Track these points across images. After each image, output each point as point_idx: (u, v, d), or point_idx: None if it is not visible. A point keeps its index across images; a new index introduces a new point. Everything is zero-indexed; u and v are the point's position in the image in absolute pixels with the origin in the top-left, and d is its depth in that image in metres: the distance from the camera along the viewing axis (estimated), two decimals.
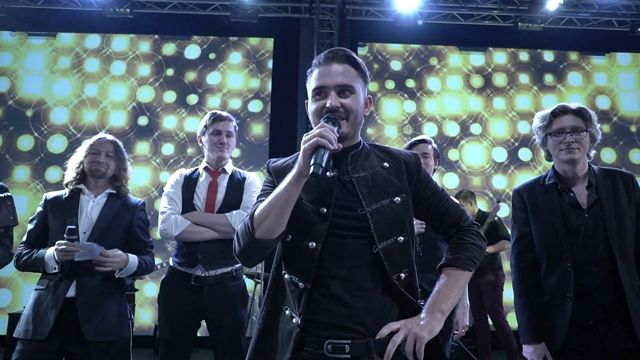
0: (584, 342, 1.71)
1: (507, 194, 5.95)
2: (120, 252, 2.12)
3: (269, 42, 6.26)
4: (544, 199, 1.86)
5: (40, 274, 2.16)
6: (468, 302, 2.62)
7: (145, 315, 5.41)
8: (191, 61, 6.12)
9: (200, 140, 2.47)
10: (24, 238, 2.22)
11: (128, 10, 5.88)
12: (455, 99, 6.26)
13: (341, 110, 1.23)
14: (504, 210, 5.66)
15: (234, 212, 2.29)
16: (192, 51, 6.15)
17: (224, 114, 2.45)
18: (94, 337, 2.03)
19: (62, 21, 5.99)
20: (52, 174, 5.69)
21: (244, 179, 2.44)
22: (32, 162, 5.76)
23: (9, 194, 2.07)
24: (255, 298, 4.46)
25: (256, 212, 1.18)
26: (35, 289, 2.14)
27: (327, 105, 1.23)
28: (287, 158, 1.37)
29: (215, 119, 2.41)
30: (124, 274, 2.16)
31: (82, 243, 2.05)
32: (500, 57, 6.39)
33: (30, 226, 2.23)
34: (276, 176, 1.31)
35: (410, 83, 6.28)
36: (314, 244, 1.18)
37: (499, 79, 6.32)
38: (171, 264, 2.35)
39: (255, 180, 2.45)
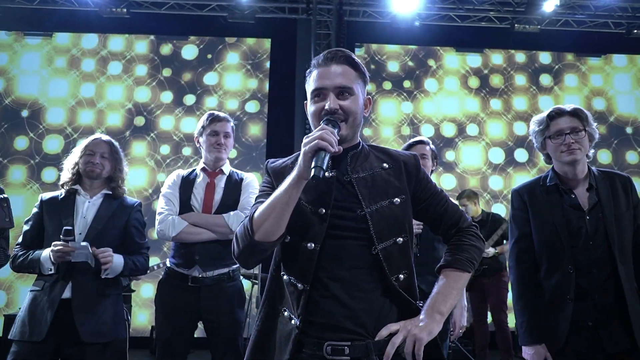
0: (583, 343, 1.72)
1: (504, 195, 5.97)
2: (110, 251, 2.10)
3: (266, 43, 6.26)
4: (545, 200, 1.86)
5: (36, 275, 2.15)
6: (465, 303, 2.63)
7: (142, 317, 5.39)
8: (188, 61, 6.11)
9: (198, 141, 2.46)
10: (20, 239, 2.21)
11: (125, 10, 5.86)
12: (452, 100, 6.27)
13: (340, 112, 1.23)
14: (502, 211, 5.67)
15: (232, 213, 2.29)
16: (189, 51, 6.14)
17: (222, 114, 2.44)
18: (89, 339, 2.02)
19: (59, 21, 5.96)
20: (49, 174, 5.67)
21: (242, 179, 2.43)
22: (28, 162, 5.73)
23: (5, 195, 2.06)
24: (252, 299, 4.45)
25: (255, 214, 1.17)
26: (31, 290, 2.13)
27: (326, 107, 1.22)
28: (286, 159, 1.36)
29: (213, 119, 2.40)
30: (110, 274, 2.14)
31: (78, 244, 2.04)
32: (496, 58, 6.41)
33: (26, 227, 2.22)
34: (275, 177, 1.31)
35: (407, 84, 6.29)
36: (313, 245, 1.18)
37: (496, 80, 6.34)
38: (168, 264, 2.34)
39: (252, 180, 2.44)
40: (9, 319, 3.99)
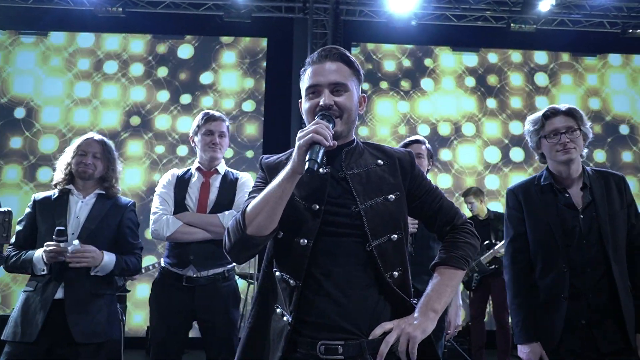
0: (578, 342, 1.73)
1: (501, 195, 5.98)
2: (94, 248, 2.08)
3: (263, 42, 6.25)
4: (540, 199, 1.87)
5: (29, 275, 2.13)
6: (460, 302, 2.63)
7: (137, 317, 5.37)
8: (184, 61, 6.09)
9: (193, 140, 2.45)
10: (13, 239, 2.20)
11: (120, 9, 5.83)
12: (448, 99, 6.28)
13: (335, 108, 1.23)
14: (498, 210, 5.67)
15: (226, 212, 2.28)
16: (185, 51, 6.12)
17: (217, 113, 2.43)
18: (82, 339, 2.01)
19: (54, 20, 5.93)
20: (44, 174, 5.64)
21: (237, 179, 2.42)
22: (23, 162, 5.69)
23: (8, 209, 2.04)
24: (247, 299, 4.44)
25: (248, 208, 1.16)
26: (24, 291, 2.11)
27: (321, 103, 1.22)
28: (280, 155, 1.36)
29: (208, 119, 2.39)
30: (100, 272, 2.12)
31: (70, 244, 2.02)
32: (492, 57, 6.42)
33: (19, 227, 2.21)
34: (269, 172, 1.30)
35: (404, 83, 6.29)
36: (305, 241, 1.17)
37: (492, 80, 6.35)
38: (162, 264, 2.33)
39: (248, 180, 2.44)
40: (2, 320, 3.96)
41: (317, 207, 1.19)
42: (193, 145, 2.46)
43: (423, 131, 6.09)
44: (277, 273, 1.22)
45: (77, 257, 2.02)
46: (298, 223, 1.19)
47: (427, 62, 6.36)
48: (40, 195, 2.25)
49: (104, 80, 5.95)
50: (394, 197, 1.24)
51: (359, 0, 6.12)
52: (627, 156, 6.24)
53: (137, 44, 6.10)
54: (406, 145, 2.57)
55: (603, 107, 6.36)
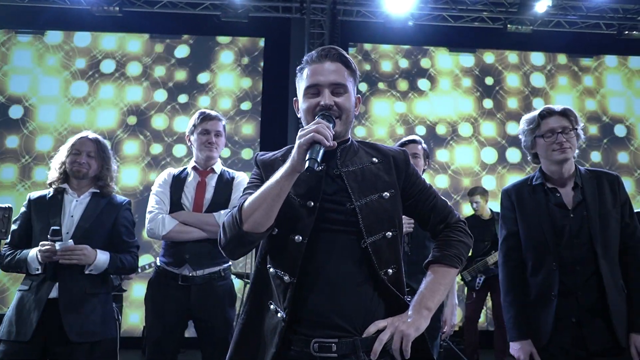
0: (568, 340, 1.75)
1: (498, 195, 5.98)
2: (85, 246, 2.06)
3: (260, 42, 6.25)
4: (531, 199, 1.89)
5: (24, 274, 2.13)
6: (456, 301, 2.64)
7: (134, 317, 5.36)
8: (181, 60, 6.08)
9: (189, 140, 2.45)
10: (8, 238, 2.19)
11: (117, 8, 5.82)
12: (445, 99, 6.29)
13: (335, 108, 1.23)
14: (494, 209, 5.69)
15: (222, 211, 2.27)
16: (182, 50, 6.11)
17: (213, 113, 2.43)
18: (77, 339, 2.00)
19: (50, 19, 5.91)
20: (40, 173, 5.62)
21: (233, 178, 2.42)
22: (19, 161, 5.68)
23: (9, 205, 2.03)
24: (243, 298, 4.43)
25: (245, 204, 1.16)
26: (19, 290, 2.11)
27: (322, 103, 1.22)
28: (276, 152, 1.36)
29: (204, 118, 2.39)
30: (94, 271, 2.11)
31: (65, 243, 2.02)
32: (489, 58, 6.44)
33: (14, 227, 2.20)
34: (264, 169, 1.30)
35: (401, 84, 6.30)
36: (300, 238, 1.17)
37: (489, 81, 6.37)
38: (158, 263, 2.33)
39: (244, 179, 2.43)
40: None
41: (312, 204, 1.20)
42: (189, 144, 2.46)
43: (420, 132, 6.10)
44: (271, 269, 1.22)
45: (67, 255, 2.01)
46: (293, 220, 1.19)
47: (424, 62, 6.37)
48: (35, 194, 2.24)
49: (101, 79, 5.94)
50: (388, 194, 1.25)
51: (356, 1, 6.13)
52: (623, 157, 6.27)
53: (134, 43, 6.09)
54: (402, 145, 2.57)
55: (599, 108, 6.39)
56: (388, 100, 6.26)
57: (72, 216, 2.16)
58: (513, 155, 6.16)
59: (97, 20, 5.89)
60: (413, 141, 2.59)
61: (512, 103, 6.32)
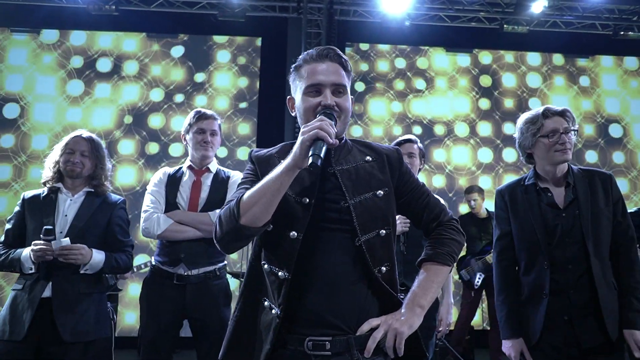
0: (560, 338, 1.77)
1: (494, 195, 6.00)
2: (82, 246, 2.06)
3: (257, 41, 6.24)
4: (524, 199, 1.91)
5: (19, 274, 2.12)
6: (452, 300, 2.64)
7: (130, 317, 5.35)
8: (178, 59, 6.07)
9: (184, 139, 2.44)
10: (2, 238, 2.18)
11: (114, 7, 5.80)
12: (441, 99, 6.30)
13: (336, 108, 1.24)
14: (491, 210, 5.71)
15: (218, 211, 2.25)
16: (179, 49, 6.10)
17: (209, 112, 2.43)
18: (70, 338, 2.00)
19: (46, 17, 5.89)
20: (35, 172, 5.59)
21: (229, 177, 2.42)
22: (14, 160, 5.65)
23: None
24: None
25: (244, 198, 1.15)
26: (13, 289, 2.10)
27: (324, 102, 1.23)
28: (270, 149, 1.36)
29: (200, 117, 2.39)
30: (90, 270, 2.11)
31: (59, 242, 2.01)
32: (486, 58, 6.46)
33: (8, 226, 2.20)
34: (259, 165, 1.30)
35: (398, 83, 6.31)
36: (295, 234, 1.17)
37: (485, 80, 6.38)
38: (153, 262, 2.33)
39: (239, 178, 2.41)
40: None
41: (308, 200, 1.20)
42: (184, 143, 2.45)
43: (417, 131, 6.11)
44: (266, 266, 1.22)
45: (65, 254, 2.01)
46: (288, 216, 1.19)
47: (421, 62, 6.38)
48: (29, 193, 2.23)
49: (97, 78, 5.92)
50: (382, 192, 1.26)
51: (353, 1, 6.13)
52: (618, 157, 6.30)
53: (131, 42, 6.07)
54: (398, 144, 2.58)
55: (595, 108, 6.41)
56: (385, 100, 6.26)
57: (65, 215, 2.15)
58: (509, 155, 6.18)
59: (93, 19, 5.86)
60: (409, 140, 2.60)
61: (509, 103, 6.34)
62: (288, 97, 1.36)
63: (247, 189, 1.17)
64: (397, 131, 6.12)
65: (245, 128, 6.03)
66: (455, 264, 1.34)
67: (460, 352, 4.31)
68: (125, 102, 5.89)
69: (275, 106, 5.94)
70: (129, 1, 5.94)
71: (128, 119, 5.85)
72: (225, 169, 2.48)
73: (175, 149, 5.83)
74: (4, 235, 2.19)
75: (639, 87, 6.51)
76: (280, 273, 1.17)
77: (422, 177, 5.80)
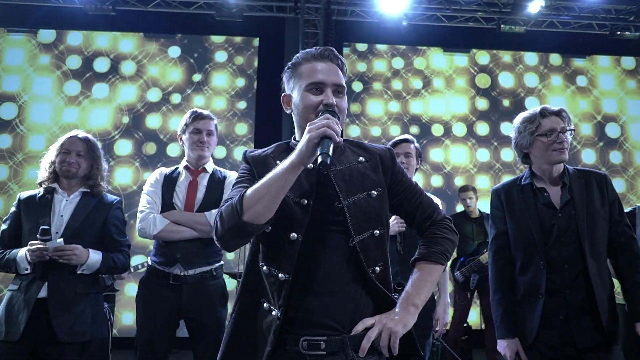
0: (556, 338, 1.77)
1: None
2: (77, 246, 2.05)
3: (254, 41, 6.24)
4: (520, 199, 1.91)
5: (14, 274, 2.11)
6: (449, 300, 2.64)
7: (128, 317, 5.34)
8: (175, 59, 6.06)
9: (181, 139, 2.44)
10: None
11: (110, 7, 5.78)
12: (439, 99, 6.31)
13: (336, 108, 1.23)
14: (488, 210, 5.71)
15: (214, 211, 2.27)
16: (176, 50, 6.09)
17: (205, 112, 2.43)
18: (66, 339, 2.00)
19: (43, 17, 5.87)
20: (32, 173, 5.58)
21: (225, 177, 2.42)
22: (11, 161, 5.63)
23: None
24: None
25: (247, 194, 1.12)
26: (9, 290, 2.10)
27: (326, 101, 1.22)
28: (265, 149, 1.35)
29: (196, 117, 2.38)
30: (87, 270, 2.11)
31: (54, 243, 2.01)
32: (483, 58, 6.46)
33: (4, 226, 2.20)
34: (255, 164, 1.29)
35: (395, 83, 6.31)
36: (295, 235, 1.17)
37: (483, 80, 6.39)
38: (149, 263, 2.32)
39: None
40: None
41: (306, 201, 1.20)
42: (181, 143, 2.45)
43: (414, 131, 6.11)
44: (265, 267, 1.21)
45: (58, 254, 2.00)
46: (287, 217, 1.18)
47: (418, 62, 6.39)
48: (25, 194, 2.23)
49: (94, 78, 5.91)
50: (376, 193, 1.26)
51: (350, 1, 6.14)
52: (616, 157, 6.31)
53: (128, 42, 6.06)
54: (395, 144, 2.58)
55: (592, 108, 6.42)
56: (382, 100, 6.27)
57: (61, 216, 2.15)
58: (507, 154, 6.19)
59: (90, 19, 5.85)
60: (405, 140, 2.60)
61: (506, 103, 6.35)
62: (283, 94, 1.35)
63: (245, 188, 1.16)
64: (395, 131, 6.12)
65: (242, 128, 6.02)
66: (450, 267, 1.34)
67: (458, 352, 4.31)
68: (123, 102, 5.88)
69: (273, 106, 5.92)
70: (126, 1, 5.93)
71: (125, 119, 5.85)
72: (222, 169, 2.48)
73: (172, 149, 5.82)
74: None
75: (636, 87, 6.53)
76: (280, 275, 1.17)
77: (419, 177, 5.80)
